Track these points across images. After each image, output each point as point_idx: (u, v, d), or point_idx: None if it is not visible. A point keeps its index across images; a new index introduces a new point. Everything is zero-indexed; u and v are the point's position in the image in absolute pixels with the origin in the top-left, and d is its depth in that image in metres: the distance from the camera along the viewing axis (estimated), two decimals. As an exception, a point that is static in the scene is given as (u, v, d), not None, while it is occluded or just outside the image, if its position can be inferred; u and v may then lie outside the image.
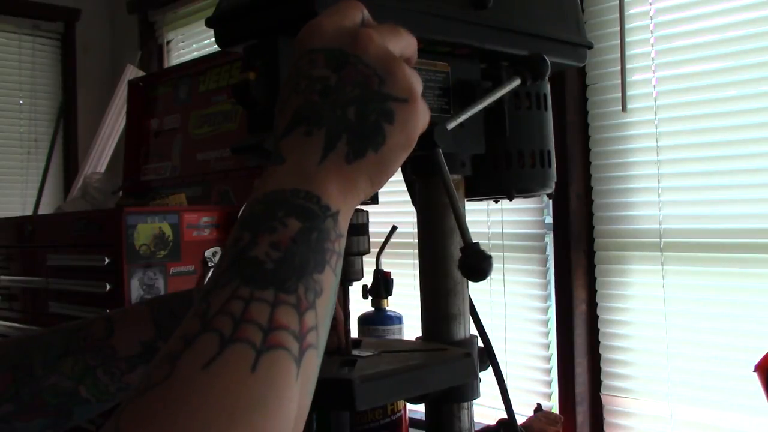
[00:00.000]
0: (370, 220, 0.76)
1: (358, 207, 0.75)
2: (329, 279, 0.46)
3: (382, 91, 0.50)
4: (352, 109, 0.50)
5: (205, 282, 0.45)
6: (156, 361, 0.41)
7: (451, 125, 0.70)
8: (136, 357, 0.79)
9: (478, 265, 0.61)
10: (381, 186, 0.52)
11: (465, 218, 0.67)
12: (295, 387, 0.42)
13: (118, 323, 0.81)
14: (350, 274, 0.75)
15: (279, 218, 0.45)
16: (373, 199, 0.76)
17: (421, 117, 0.52)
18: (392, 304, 1.48)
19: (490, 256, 0.62)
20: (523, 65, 0.78)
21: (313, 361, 0.44)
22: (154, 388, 0.39)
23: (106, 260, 1.44)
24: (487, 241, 2.06)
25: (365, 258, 0.76)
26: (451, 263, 0.84)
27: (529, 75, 0.78)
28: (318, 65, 0.51)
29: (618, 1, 1.78)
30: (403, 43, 0.55)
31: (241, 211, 0.48)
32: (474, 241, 0.63)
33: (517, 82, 0.77)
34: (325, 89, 0.50)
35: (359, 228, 0.74)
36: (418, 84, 0.52)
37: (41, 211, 3.42)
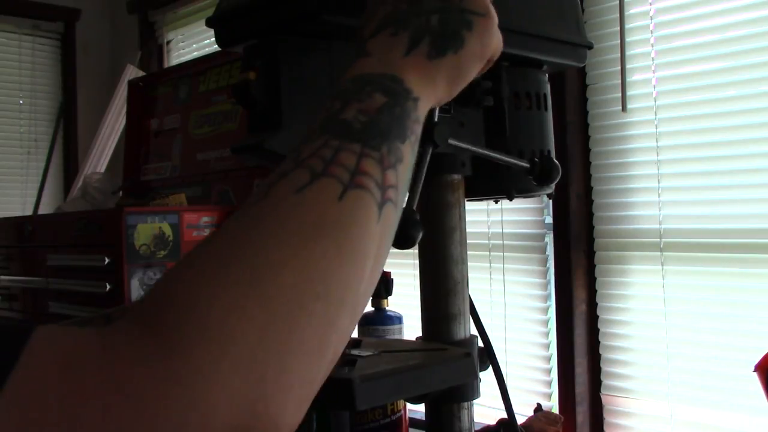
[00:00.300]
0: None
1: None
2: (408, 151, 0.50)
3: (461, 5, 0.56)
4: (435, 17, 0.55)
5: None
6: (254, 192, 0.45)
7: (453, 142, 0.71)
8: None
9: (407, 231, 0.61)
10: (457, 91, 0.57)
11: (419, 189, 0.68)
12: (376, 228, 0.46)
13: (117, 317, 0.81)
14: None
15: (366, 92, 0.50)
16: None
17: (495, 33, 0.58)
18: (392, 304, 1.48)
19: (420, 224, 0.62)
20: (536, 162, 0.80)
21: (392, 215, 0.48)
22: (249, 206, 0.44)
23: (106, 260, 1.44)
24: (487, 241, 2.06)
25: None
26: (451, 263, 0.84)
27: (539, 170, 0.81)
28: None
29: (618, 1, 1.78)
30: None
31: (332, 91, 0.51)
32: (412, 208, 0.64)
33: (525, 166, 0.80)
34: (412, 1, 0.56)
35: None
36: (492, 7, 0.58)
37: (41, 211, 3.42)
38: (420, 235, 0.62)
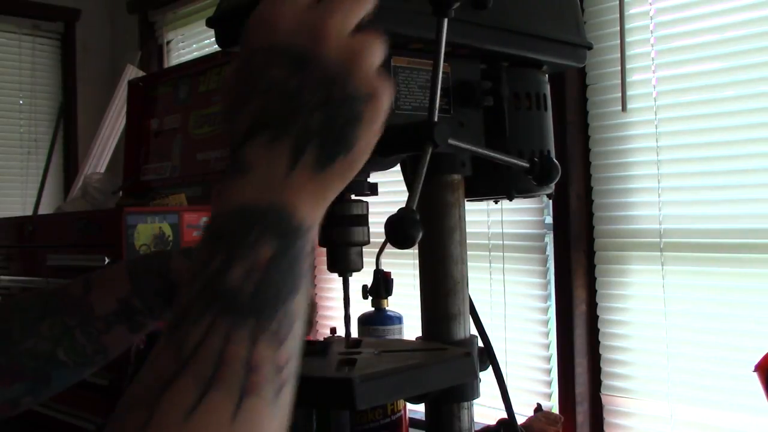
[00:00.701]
0: (370, 220, 0.76)
1: (358, 198, 0.75)
2: (302, 302, 0.45)
3: (347, 92, 0.47)
4: (317, 114, 0.46)
5: (174, 304, 0.43)
6: (132, 400, 0.39)
7: (453, 142, 0.70)
8: (113, 315, 0.79)
9: (407, 231, 0.60)
10: (346, 185, 0.50)
11: (419, 190, 0.66)
12: (275, 425, 0.41)
13: (95, 281, 0.81)
14: (349, 263, 0.75)
15: (252, 240, 0.43)
16: (373, 190, 0.76)
17: (386, 105, 0.49)
18: (392, 304, 1.48)
19: (420, 225, 0.61)
20: (535, 166, 0.80)
21: (289, 395, 0.43)
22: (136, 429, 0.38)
23: (106, 260, 1.44)
24: (487, 241, 2.06)
25: (365, 258, 0.76)
26: (451, 263, 0.84)
27: (539, 170, 0.80)
28: (275, 65, 0.47)
29: (618, 1, 1.78)
30: (362, 8, 0.50)
31: (208, 224, 0.46)
32: (410, 207, 0.63)
33: (524, 165, 0.80)
34: (286, 93, 0.47)
35: (359, 219, 0.74)
36: (381, 73, 0.49)
37: (41, 211, 3.42)
38: (420, 235, 0.62)
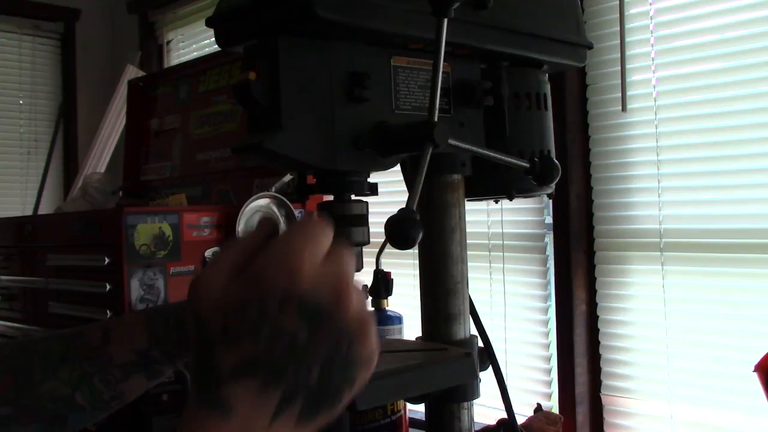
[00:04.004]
0: (370, 220, 0.76)
1: (358, 198, 0.75)
2: None
3: (349, 356, 0.47)
4: (315, 371, 0.46)
5: None
6: None
7: (453, 142, 0.70)
8: (131, 365, 0.80)
9: (407, 231, 0.60)
10: None
11: (419, 189, 0.66)
12: None
13: (114, 331, 0.81)
14: None
15: None
16: (373, 190, 0.76)
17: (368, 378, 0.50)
18: (392, 304, 1.48)
19: (421, 225, 0.61)
20: (540, 161, 0.80)
21: None
22: None
23: (106, 260, 1.44)
24: (487, 241, 2.06)
25: (365, 258, 0.76)
26: (451, 263, 0.84)
27: (539, 170, 0.80)
28: (289, 315, 0.46)
29: (618, 1, 1.78)
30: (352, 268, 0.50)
31: None
32: (410, 207, 0.62)
33: (525, 165, 0.80)
34: (293, 345, 0.45)
35: (359, 219, 0.74)
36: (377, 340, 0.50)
37: (41, 211, 3.42)
38: (420, 236, 0.62)
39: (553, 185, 0.90)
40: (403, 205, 0.63)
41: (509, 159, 0.79)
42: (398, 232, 0.61)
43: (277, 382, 0.45)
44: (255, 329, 0.45)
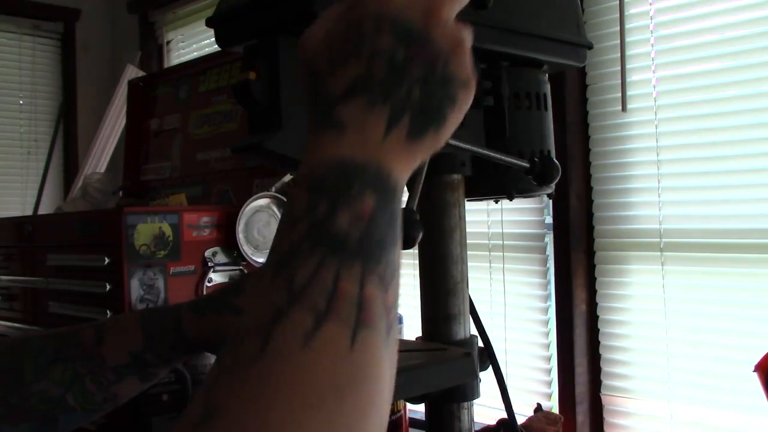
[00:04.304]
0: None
1: None
2: (400, 254, 0.46)
3: (446, 74, 0.49)
4: (417, 88, 0.48)
5: (273, 245, 0.44)
6: (242, 330, 0.40)
7: (453, 141, 0.70)
8: (124, 367, 0.80)
9: (407, 231, 0.60)
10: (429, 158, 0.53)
11: (419, 189, 0.66)
12: (387, 361, 0.42)
13: (108, 332, 0.81)
14: None
15: (356, 190, 0.44)
16: None
17: (472, 96, 0.52)
18: (392, 304, 1.48)
19: (421, 224, 0.61)
20: (535, 162, 0.80)
21: (396, 335, 0.45)
22: (250, 364, 0.38)
23: (106, 260, 1.44)
24: (487, 241, 2.06)
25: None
26: (451, 263, 0.84)
27: (539, 169, 0.80)
28: (384, 33, 0.48)
29: (618, 1, 1.78)
30: (453, 8, 0.52)
31: (305, 174, 0.46)
32: (412, 208, 0.63)
33: (525, 165, 0.80)
34: (391, 63, 0.48)
35: None
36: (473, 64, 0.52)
37: (41, 211, 3.42)
38: (420, 236, 0.62)
39: (553, 185, 0.90)
40: (403, 206, 0.63)
41: (509, 159, 0.79)
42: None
43: (384, 99, 0.47)
44: (356, 50, 0.48)
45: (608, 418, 1.85)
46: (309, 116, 0.49)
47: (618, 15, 1.78)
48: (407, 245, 0.61)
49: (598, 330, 1.86)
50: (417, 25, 0.49)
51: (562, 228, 1.88)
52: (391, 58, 0.48)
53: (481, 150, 0.76)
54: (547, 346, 1.95)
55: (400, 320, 1.47)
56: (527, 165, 0.79)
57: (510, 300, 2.02)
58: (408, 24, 0.48)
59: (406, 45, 0.48)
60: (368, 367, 0.41)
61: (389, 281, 0.44)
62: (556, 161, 0.81)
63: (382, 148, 0.47)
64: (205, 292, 1.49)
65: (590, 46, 0.91)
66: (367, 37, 0.48)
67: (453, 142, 0.70)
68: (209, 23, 0.72)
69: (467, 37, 0.51)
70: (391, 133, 0.47)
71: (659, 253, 1.74)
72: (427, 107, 0.49)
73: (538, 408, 1.56)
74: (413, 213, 0.62)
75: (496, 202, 1.03)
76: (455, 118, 0.51)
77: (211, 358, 1.24)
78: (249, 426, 0.36)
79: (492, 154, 0.77)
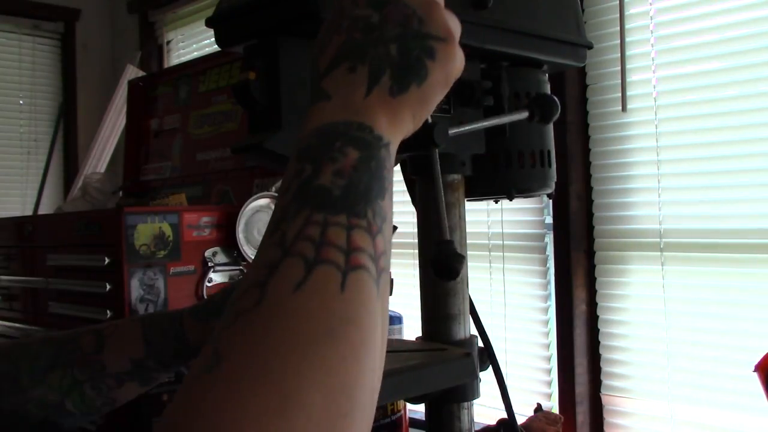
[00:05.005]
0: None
1: None
2: (389, 206, 0.48)
3: (422, 30, 0.52)
4: (394, 46, 0.51)
5: (272, 215, 0.46)
6: (241, 290, 0.42)
7: (454, 132, 0.70)
8: (125, 374, 0.79)
9: (449, 263, 0.60)
10: (420, 123, 0.54)
11: (445, 216, 0.67)
12: (378, 304, 0.44)
13: (109, 339, 0.80)
14: None
15: (337, 148, 0.46)
16: None
17: (459, 58, 0.54)
18: (392, 304, 1.48)
19: (463, 256, 0.61)
20: (535, 102, 0.79)
21: (387, 284, 0.46)
22: (247, 314, 0.40)
23: (106, 260, 1.44)
24: (487, 241, 2.06)
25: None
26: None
27: (538, 113, 0.78)
28: (360, 5, 0.52)
29: (618, 1, 1.78)
30: None
31: (295, 145, 0.49)
32: (449, 239, 0.63)
33: (524, 115, 0.78)
34: (367, 27, 0.51)
35: None
36: (455, 26, 0.54)
37: (41, 211, 3.42)
38: (463, 266, 0.62)
39: (552, 185, 0.90)
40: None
41: (507, 117, 0.78)
42: (441, 265, 0.62)
43: (362, 60, 0.50)
44: (338, 26, 0.52)
45: (608, 418, 1.85)
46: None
47: (618, 15, 1.78)
48: (451, 276, 0.61)
49: (598, 330, 1.86)
50: None
51: (562, 228, 1.88)
52: (367, 23, 0.52)
53: (479, 124, 0.76)
54: (547, 346, 1.95)
55: (400, 320, 1.47)
56: (526, 113, 0.79)
57: (510, 300, 2.02)
58: None
59: (380, 9, 0.52)
60: (359, 308, 0.42)
61: (377, 231, 0.45)
62: (552, 97, 0.81)
63: (364, 106, 0.49)
64: (205, 292, 1.49)
65: (590, 46, 0.91)
66: (346, 12, 0.53)
67: (453, 131, 0.70)
68: (209, 23, 0.72)
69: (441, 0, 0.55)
70: (372, 91, 0.50)
71: (659, 253, 1.74)
72: (406, 62, 0.51)
73: (538, 408, 1.56)
74: (451, 243, 0.62)
75: (496, 202, 1.03)
76: (438, 75, 0.52)
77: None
78: (249, 370, 0.38)
79: (492, 122, 0.77)
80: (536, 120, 0.79)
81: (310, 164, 0.46)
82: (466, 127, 0.74)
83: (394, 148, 0.50)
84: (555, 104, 0.79)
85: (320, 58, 0.52)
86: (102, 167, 3.14)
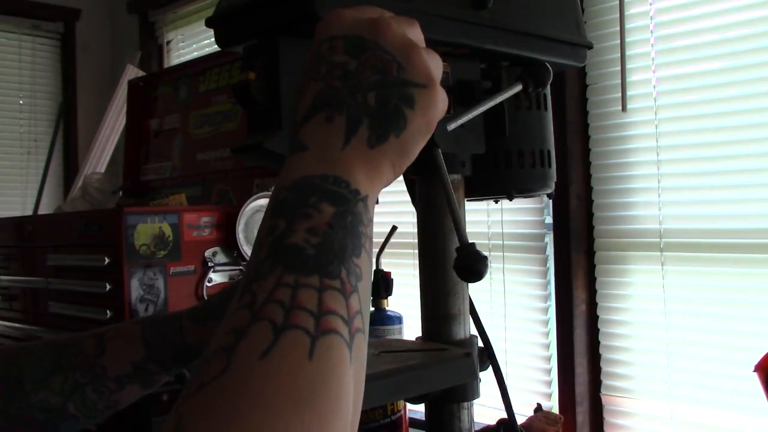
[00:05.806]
0: (370, 220, 0.76)
1: None
2: (366, 263, 0.46)
3: (401, 77, 0.50)
4: (372, 95, 0.49)
5: (244, 273, 0.45)
6: (208, 356, 0.40)
7: (452, 126, 0.70)
8: (126, 376, 0.79)
9: (473, 265, 0.60)
10: (402, 171, 0.52)
11: (463, 219, 0.67)
12: (350, 370, 0.42)
13: (110, 342, 0.80)
14: None
15: (312, 204, 0.45)
16: None
17: (440, 102, 0.52)
18: (392, 304, 1.48)
19: (485, 257, 0.61)
20: (526, 72, 0.78)
21: (363, 344, 0.44)
22: (213, 382, 0.39)
23: (106, 260, 1.44)
24: (487, 241, 2.06)
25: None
26: (451, 263, 0.84)
27: (531, 82, 0.78)
28: (338, 51, 0.51)
29: (618, 1, 1.78)
30: (419, 34, 0.55)
31: (271, 198, 0.48)
32: (470, 242, 0.63)
33: (518, 88, 0.78)
34: (345, 74, 0.50)
35: None
36: (436, 69, 0.52)
37: (41, 211, 3.42)
38: (487, 269, 0.62)
39: (552, 185, 0.90)
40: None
41: (503, 94, 0.78)
42: (465, 267, 0.62)
43: (339, 110, 0.49)
44: (315, 71, 0.51)
45: (608, 418, 1.85)
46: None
47: (618, 15, 1.78)
48: (475, 278, 0.61)
49: (598, 330, 1.86)
50: (366, 36, 0.51)
51: (562, 228, 1.88)
52: (344, 70, 0.50)
53: (477, 110, 0.75)
54: (547, 346, 1.95)
55: (399, 320, 1.47)
56: (520, 86, 0.79)
57: (510, 300, 2.02)
58: (357, 38, 0.51)
59: (357, 56, 0.50)
60: (329, 376, 0.40)
61: (351, 291, 0.44)
62: (542, 62, 0.81)
63: (341, 158, 0.48)
64: (205, 292, 1.49)
65: (590, 46, 0.91)
66: (324, 59, 0.51)
67: (452, 125, 0.70)
68: (209, 23, 0.72)
69: (419, 39, 0.53)
70: (350, 141, 0.48)
71: (659, 253, 1.74)
72: (385, 111, 0.49)
73: (538, 408, 1.57)
74: (473, 246, 0.62)
75: (496, 202, 1.03)
76: (419, 123, 0.51)
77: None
78: None
79: (486, 106, 0.76)
80: (531, 89, 0.79)
81: (284, 220, 0.45)
82: (465, 117, 0.73)
83: (372, 201, 0.49)
84: (546, 69, 0.79)
85: (298, 105, 0.51)
86: (102, 167, 3.14)
